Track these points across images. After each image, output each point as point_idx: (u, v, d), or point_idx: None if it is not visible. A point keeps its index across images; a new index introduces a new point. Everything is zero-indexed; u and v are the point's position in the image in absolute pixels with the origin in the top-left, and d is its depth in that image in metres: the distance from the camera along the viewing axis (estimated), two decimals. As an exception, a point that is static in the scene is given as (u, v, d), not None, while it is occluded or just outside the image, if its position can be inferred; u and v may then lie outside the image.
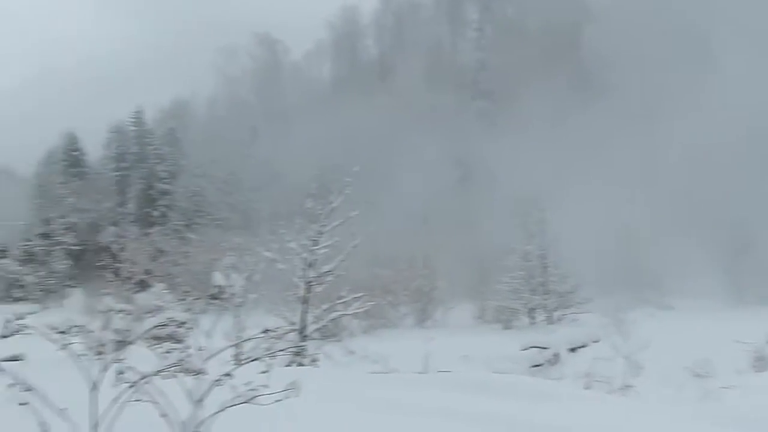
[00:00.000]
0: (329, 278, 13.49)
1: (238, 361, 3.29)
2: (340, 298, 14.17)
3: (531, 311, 24.71)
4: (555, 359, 13.41)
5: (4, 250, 45.64)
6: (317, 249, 13.10)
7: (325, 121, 60.63)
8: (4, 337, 2.84)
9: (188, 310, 3.18)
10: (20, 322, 2.70)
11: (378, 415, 5.10)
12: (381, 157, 51.76)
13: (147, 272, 35.01)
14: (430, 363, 10.38)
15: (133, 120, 60.79)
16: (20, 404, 2.52)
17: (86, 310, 27.99)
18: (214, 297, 3.22)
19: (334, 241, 13.28)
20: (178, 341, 3.09)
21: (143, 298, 3.21)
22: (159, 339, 3.03)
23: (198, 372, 2.78)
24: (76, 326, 2.69)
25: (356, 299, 14.02)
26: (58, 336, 2.66)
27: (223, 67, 78.22)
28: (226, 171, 54.54)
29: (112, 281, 30.87)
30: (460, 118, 57.57)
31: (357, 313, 15.29)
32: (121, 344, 2.85)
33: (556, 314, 24.27)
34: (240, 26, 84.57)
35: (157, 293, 3.36)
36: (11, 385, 2.54)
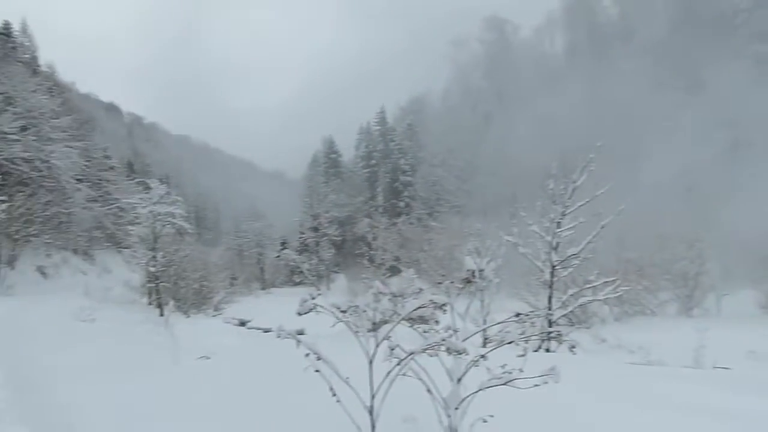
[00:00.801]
0: (575, 262, 12.82)
1: (488, 343, 3.33)
2: (588, 282, 13.39)
3: (843, 300, 19.75)
4: None
5: (284, 243, 54.63)
6: (561, 231, 12.57)
7: (562, 96, 57.60)
8: (301, 314, 3.43)
9: (446, 293, 3.33)
10: (314, 301, 3.20)
11: (639, 408, 4.67)
12: (629, 127, 47.05)
13: (396, 258, 38.30)
14: (703, 357, 9.05)
15: (377, 120, 66.67)
16: (315, 371, 2.98)
17: (349, 293, 31.85)
18: (466, 281, 3.31)
19: (579, 222, 12.57)
20: (436, 322, 3.25)
21: (396, 283, 3.46)
22: (413, 320, 3.22)
23: (461, 352, 2.89)
24: (353, 306, 3.06)
25: (607, 284, 13.10)
26: (340, 314, 3.06)
27: (455, 57, 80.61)
28: (462, 159, 56.05)
29: (368, 267, 34.59)
30: (727, 70, 48.69)
31: (608, 298, 14.25)
32: (389, 323, 3.14)
33: None
34: (469, 14, 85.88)
35: (407, 278, 3.60)
36: (307, 355, 3.01)
